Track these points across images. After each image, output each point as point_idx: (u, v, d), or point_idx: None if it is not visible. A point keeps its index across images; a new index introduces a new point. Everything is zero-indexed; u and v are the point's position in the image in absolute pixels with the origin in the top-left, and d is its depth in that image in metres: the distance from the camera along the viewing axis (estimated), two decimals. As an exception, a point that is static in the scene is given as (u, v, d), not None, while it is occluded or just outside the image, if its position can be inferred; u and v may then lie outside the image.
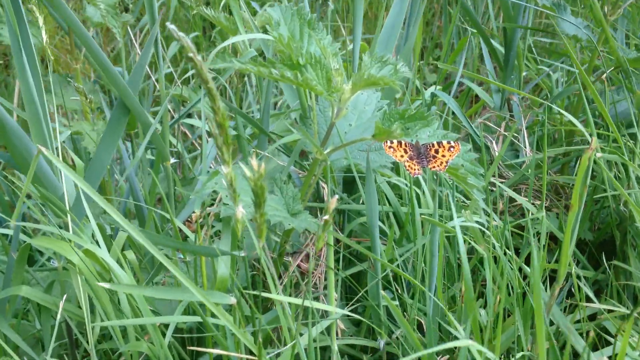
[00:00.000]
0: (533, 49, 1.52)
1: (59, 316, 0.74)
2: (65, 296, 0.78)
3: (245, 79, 1.69)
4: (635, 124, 0.98)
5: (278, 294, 0.68)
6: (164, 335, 0.83)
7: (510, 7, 1.31)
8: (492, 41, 1.44)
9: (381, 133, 0.72)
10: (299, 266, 0.96)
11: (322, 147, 0.79)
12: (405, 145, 0.79)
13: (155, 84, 1.42)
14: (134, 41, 1.59)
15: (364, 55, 0.79)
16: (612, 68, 1.09)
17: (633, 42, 1.34)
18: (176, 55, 2.21)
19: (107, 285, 0.70)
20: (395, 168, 1.05)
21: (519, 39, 1.31)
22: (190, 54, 0.51)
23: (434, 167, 0.79)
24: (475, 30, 1.37)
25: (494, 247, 0.92)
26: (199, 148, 1.47)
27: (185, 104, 1.31)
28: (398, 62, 0.81)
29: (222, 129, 0.56)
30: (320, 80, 0.73)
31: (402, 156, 0.78)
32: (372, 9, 2.44)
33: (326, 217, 0.57)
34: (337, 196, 0.57)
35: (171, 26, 0.52)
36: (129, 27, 1.51)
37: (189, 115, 1.36)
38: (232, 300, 0.66)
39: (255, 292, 0.71)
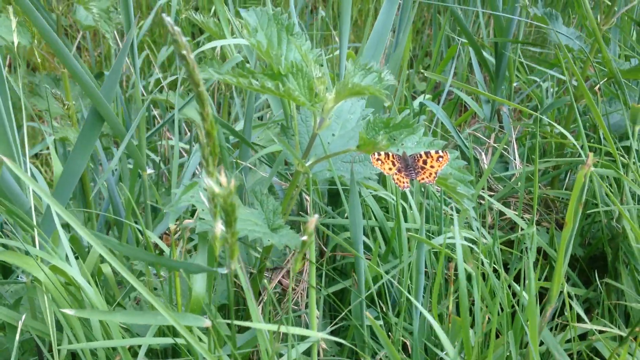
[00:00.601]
0: (522, 59, 1.50)
1: (17, 335, 0.69)
2: (24, 315, 0.74)
3: (232, 87, 1.65)
4: (630, 136, 0.95)
5: (257, 313, 0.64)
6: (136, 355, 0.79)
7: (501, 19, 1.28)
8: (482, 51, 1.41)
9: (366, 144, 0.68)
10: (280, 282, 0.92)
11: (304, 159, 0.75)
12: (393, 157, 0.75)
13: (143, 90, 1.38)
14: (120, 46, 1.54)
15: (347, 63, 0.76)
16: (605, 79, 1.07)
17: (624, 53, 1.32)
18: (164, 62, 2.17)
19: (71, 312, 0.66)
20: (382, 180, 1.02)
21: (510, 49, 1.29)
22: (184, 52, 0.47)
23: (423, 179, 0.76)
24: (465, 40, 1.35)
25: (483, 264, 0.89)
26: (186, 155, 1.43)
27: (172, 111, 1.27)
28: (383, 70, 0.78)
29: (210, 138, 0.52)
30: (302, 90, 0.69)
31: (390, 169, 0.74)
32: (362, 16, 2.41)
33: (304, 237, 0.54)
34: (317, 216, 0.53)
35: (167, 18, 0.48)
36: (115, 32, 1.47)
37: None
38: (207, 322, 0.62)
39: (227, 321, 0.67)
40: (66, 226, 1.24)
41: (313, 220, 0.54)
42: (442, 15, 1.97)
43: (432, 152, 0.77)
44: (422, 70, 1.14)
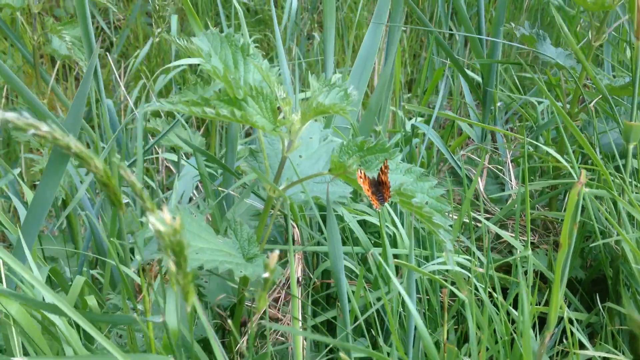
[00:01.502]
0: (515, 77, 1.47)
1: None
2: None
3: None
4: (625, 156, 0.92)
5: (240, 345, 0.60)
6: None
7: (477, 41, 1.25)
8: (473, 74, 1.39)
9: (337, 167, 0.65)
10: (264, 313, 0.88)
11: (276, 183, 0.72)
12: (368, 178, 0.72)
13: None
14: (117, 75, 1.53)
15: (311, 79, 0.73)
16: (598, 97, 1.04)
17: (619, 73, 1.29)
18: (162, 90, 2.15)
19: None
20: (355, 197, 0.98)
21: (495, 71, 1.26)
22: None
23: (386, 198, 0.72)
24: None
25: (477, 290, 0.85)
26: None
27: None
28: (348, 86, 0.74)
29: (108, 188, 0.48)
30: (265, 113, 0.66)
31: (367, 189, 0.71)
32: (359, 41, 2.40)
33: (266, 274, 0.50)
34: (277, 252, 0.49)
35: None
36: (111, 61, 1.45)
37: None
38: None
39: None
40: (50, 258, 1.21)
41: (274, 255, 0.50)
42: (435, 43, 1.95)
43: (383, 166, 0.72)
44: (403, 103, 1.11)
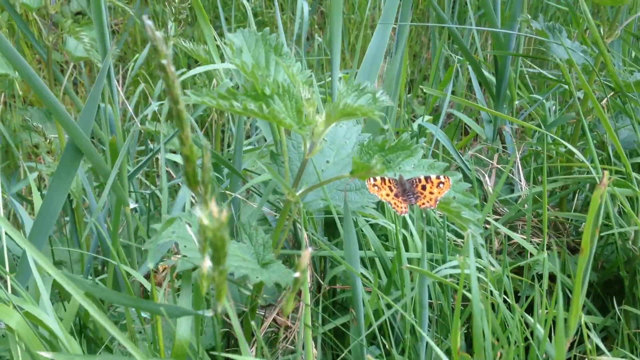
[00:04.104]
0: (526, 75, 1.45)
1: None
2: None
3: (227, 114, 1.60)
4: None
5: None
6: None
7: (500, 35, 1.24)
8: (482, 70, 1.36)
9: (359, 169, 0.63)
10: (275, 320, 0.86)
11: (294, 187, 0.70)
12: (390, 182, 0.70)
13: (139, 123, 1.33)
14: (116, 80, 1.50)
15: (339, 83, 0.71)
16: (612, 93, 1.01)
17: (628, 68, 1.27)
18: (161, 94, 2.13)
19: (48, 355, 0.60)
20: (381, 207, 0.96)
21: (510, 66, 1.24)
22: (164, 61, 0.42)
23: (423, 204, 0.70)
24: (463, 58, 1.30)
25: (492, 294, 0.82)
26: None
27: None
28: (377, 91, 0.73)
29: (189, 163, 0.46)
30: (290, 112, 0.64)
31: (387, 194, 0.69)
32: (360, 41, 2.38)
33: (297, 274, 0.48)
34: (310, 249, 0.47)
35: (148, 22, 0.42)
36: (111, 62, 1.43)
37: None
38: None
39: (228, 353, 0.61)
40: (58, 263, 1.18)
41: (307, 253, 0.48)
42: (440, 39, 1.93)
43: (433, 177, 0.71)
44: (421, 87, 1.09)
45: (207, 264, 0.44)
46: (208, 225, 0.40)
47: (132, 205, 0.82)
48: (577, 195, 1.23)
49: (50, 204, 0.77)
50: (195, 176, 0.44)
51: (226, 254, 0.42)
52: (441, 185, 0.70)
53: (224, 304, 0.45)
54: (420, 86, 1.10)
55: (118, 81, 2.04)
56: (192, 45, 1.15)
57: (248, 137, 1.66)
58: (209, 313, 0.55)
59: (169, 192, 1.39)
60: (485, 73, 1.34)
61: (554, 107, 1.40)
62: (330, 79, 0.92)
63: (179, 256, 0.62)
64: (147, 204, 1.14)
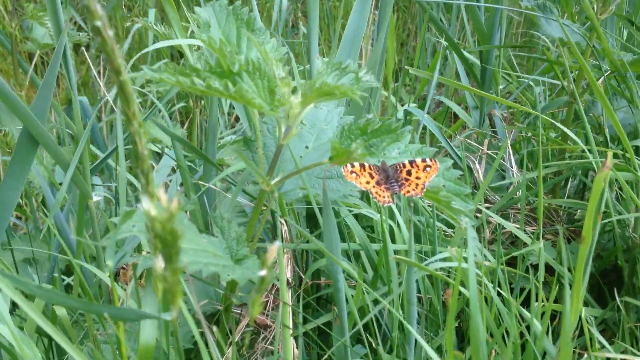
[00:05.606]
0: (513, 59, 1.39)
1: None
2: None
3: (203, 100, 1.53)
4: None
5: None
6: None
7: (482, 23, 1.18)
8: (469, 55, 1.31)
9: (339, 154, 0.57)
10: (254, 319, 0.80)
11: (269, 175, 0.63)
12: (370, 169, 0.64)
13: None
14: (96, 73, 1.43)
15: (319, 61, 0.65)
16: (608, 73, 0.96)
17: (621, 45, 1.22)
18: (143, 85, 2.05)
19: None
20: (366, 195, 0.90)
21: (494, 52, 1.18)
22: (97, 23, 0.35)
23: (408, 192, 0.64)
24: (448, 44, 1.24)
25: (486, 287, 0.77)
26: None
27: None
28: (361, 70, 0.66)
29: (139, 144, 0.40)
30: (261, 92, 0.58)
31: (367, 182, 0.63)
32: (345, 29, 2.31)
33: (263, 272, 0.42)
34: (278, 243, 0.41)
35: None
36: (88, 58, 1.36)
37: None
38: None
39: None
40: (23, 261, 1.12)
41: (274, 248, 0.42)
42: (424, 21, 1.87)
43: (418, 160, 0.65)
44: (407, 67, 1.03)
45: (160, 262, 0.38)
46: (156, 217, 0.34)
47: (96, 198, 0.75)
48: (569, 181, 1.18)
49: (4, 197, 0.71)
50: (143, 160, 0.37)
51: (179, 250, 0.36)
52: (428, 169, 0.64)
53: (179, 307, 0.39)
54: (407, 66, 1.03)
55: (99, 72, 1.98)
56: (165, 29, 1.09)
57: (233, 126, 1.59)
58: (167, 316, 0.49)
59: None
60: (473, 58, 1.28)
61: (543, 92, 1.35)
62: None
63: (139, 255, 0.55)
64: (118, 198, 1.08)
